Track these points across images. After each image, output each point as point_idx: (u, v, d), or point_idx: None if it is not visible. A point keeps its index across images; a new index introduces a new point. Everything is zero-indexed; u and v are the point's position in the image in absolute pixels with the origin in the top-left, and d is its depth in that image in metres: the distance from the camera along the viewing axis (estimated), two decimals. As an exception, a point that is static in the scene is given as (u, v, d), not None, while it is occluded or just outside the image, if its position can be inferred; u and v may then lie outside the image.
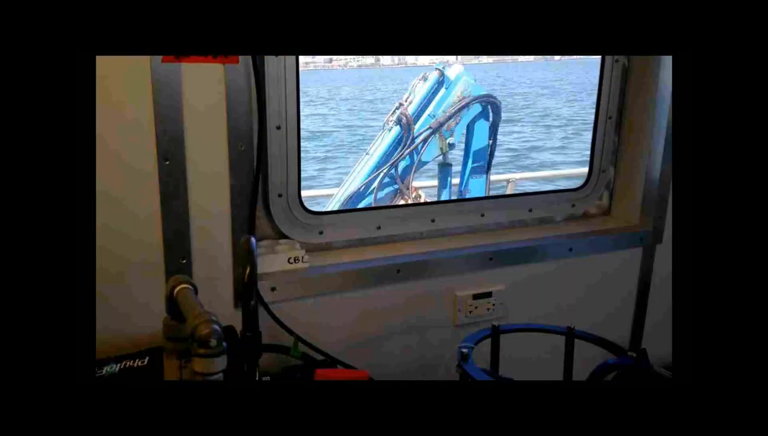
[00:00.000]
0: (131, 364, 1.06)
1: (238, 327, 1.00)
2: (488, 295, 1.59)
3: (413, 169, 4.71)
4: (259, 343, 0.98)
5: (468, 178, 4.76)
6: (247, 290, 0.91)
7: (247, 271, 0.89)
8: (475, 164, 4.73)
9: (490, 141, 4.81)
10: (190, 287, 0.72)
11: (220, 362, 0.61)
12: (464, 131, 4.81)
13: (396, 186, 4.72)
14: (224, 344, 0.61)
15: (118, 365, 1.05)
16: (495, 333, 1.20)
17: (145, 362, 1.06)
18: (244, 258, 0.90)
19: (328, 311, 1.40)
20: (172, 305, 0.71)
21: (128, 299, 1.18)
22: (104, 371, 1.03)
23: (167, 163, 1.16)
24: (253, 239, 0.94)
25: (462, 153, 4.93)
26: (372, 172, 4.71)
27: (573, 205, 1.81)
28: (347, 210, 1.59)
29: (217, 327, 0.62)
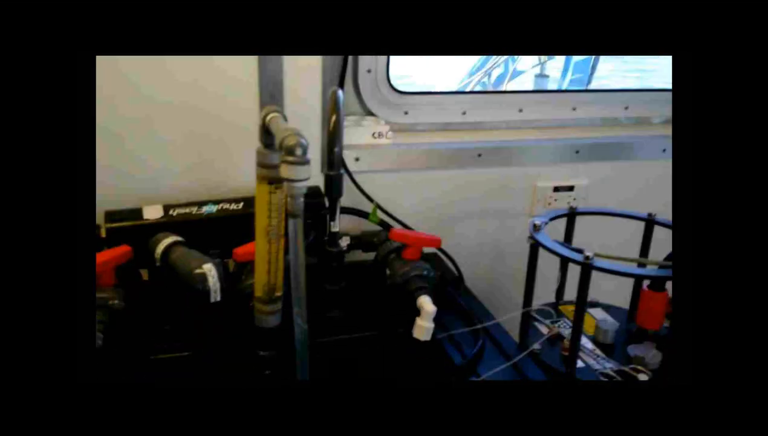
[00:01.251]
0: (227, 207, 1.17)
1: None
2: (570, 188, 1.57)
3: (507, 79, 4.53)
4: (340, 183, 1.05)
5: (565, 92, 4.51)
6: (331, 136, 0.97)
7: (333, 118, 0.95)
8: (575, 77, 4.47)
9: (594, 52, 4.48)
10: (280, 115, 0.78)
11: (305, 171, 0.68)
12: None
13: (488, 95, 4.58)
14: (308, 156, 0.67)
15: (216, 206, 1.17)
16: (571, 214, 1.20)
17: (240, 206, 1.17)
18: (330, 107, 0.95)
19: (407, 187, 1.45)
20: (265, 132, 0.78)
21: (227, 159, 1.28)
22: (204, 211, 1.16)
23: None
24: (340, 91, 0.99)
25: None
26: (465, 79, 4.59)
27: (674, 107, 1.70)
28: (434, 92, 1.58)
29: (303, 140, 0.67)
